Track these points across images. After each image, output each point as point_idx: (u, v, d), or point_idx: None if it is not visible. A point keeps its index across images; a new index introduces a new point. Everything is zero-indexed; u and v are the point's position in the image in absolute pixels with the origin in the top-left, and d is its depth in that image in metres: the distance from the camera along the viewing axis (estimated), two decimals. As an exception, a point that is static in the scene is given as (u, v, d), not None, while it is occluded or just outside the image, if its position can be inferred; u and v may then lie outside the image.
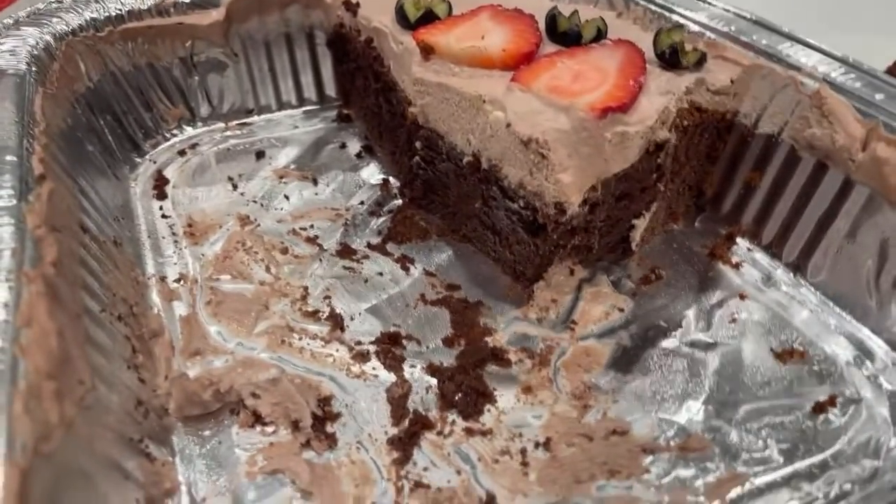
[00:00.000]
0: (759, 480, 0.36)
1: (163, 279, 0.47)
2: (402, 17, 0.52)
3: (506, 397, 0.40)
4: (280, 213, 0.54)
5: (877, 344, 0.44)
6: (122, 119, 0.57)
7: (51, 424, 0.27)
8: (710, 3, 0.55)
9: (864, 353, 0.44)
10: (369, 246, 0.51)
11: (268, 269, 0.49)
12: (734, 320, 0.46)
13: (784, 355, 0.43)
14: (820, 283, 0.48)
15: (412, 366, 0.42)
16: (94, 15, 0.56)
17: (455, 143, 0.48)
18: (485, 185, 0.47)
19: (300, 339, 0.43)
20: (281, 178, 0.58)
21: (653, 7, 0.57)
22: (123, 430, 0.33)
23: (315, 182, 0.58)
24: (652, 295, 0.48)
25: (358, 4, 0.58)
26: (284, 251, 0.50)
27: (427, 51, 0.48)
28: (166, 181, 0.57)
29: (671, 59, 0.48)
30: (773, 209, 0.50)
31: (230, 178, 0.58)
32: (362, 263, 0.50)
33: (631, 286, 0.49)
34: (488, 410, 0.40)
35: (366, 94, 0.60)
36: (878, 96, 0.45)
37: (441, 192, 0.52)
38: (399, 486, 0.36)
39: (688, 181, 0.52)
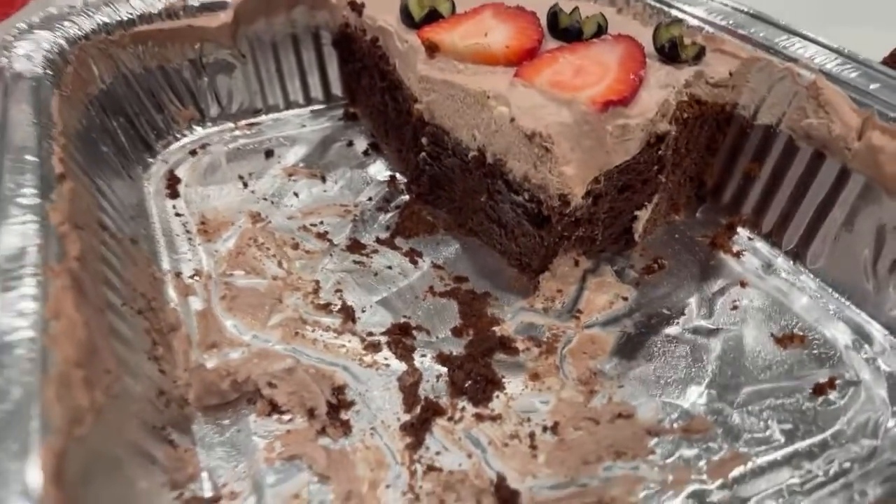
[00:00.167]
0: (761, 460, 0.37)
1: (178, 275, 0.49)
2: (406, 16, 0.53)
3: (514, 384, 0.42)
4: (290, 210, 0.55)
5: (875, 328, 0.45)
6: (134, 120, 0.59)
7: (82, 410, 0.28)
8: (706, 1, 0.56)
9: (862, 336, 0.45)
10: (378, 241, 0.53)
11: (280, 265, 0.50)
12: (735, 307, 0.47)
13: (784, 340, 0.45)
14: (819, 269, 0.49)
15: (423, 355, 0.43)
16: (106, 19, 0.57)
17: (460, 138, 0.49)
18: (490, 179, 0.48)
19: (313, 330, 0.45)
20: (290, 175, 0.59)
21: (652, 2, 0.58)
22: (147, 418, 0.35)
23: (324, 179, 0.59)
24: (655, 284, 0.49)
25: (363, 4, 0.59)
26: (295, 247, 0.52)
27: (432, 49, 0.50)
28: (178, 180, 0.58)
29: (670, 53, 0.49)
30: (773, 199, 0.51)
31: (241, 177, 0.59)
32: (372, 257, 0.51)
33: (634, 276, 0.50)
34: (497, 397, 0.41)
35: (371, 93, 0.61)
36: (873, 86, 0.46)
37: (447, 186, 0.54)
38: (412, 469, 0.37)
39: (689, 172, 0.53)
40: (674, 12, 0.56)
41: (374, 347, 0.44)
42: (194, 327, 0.45)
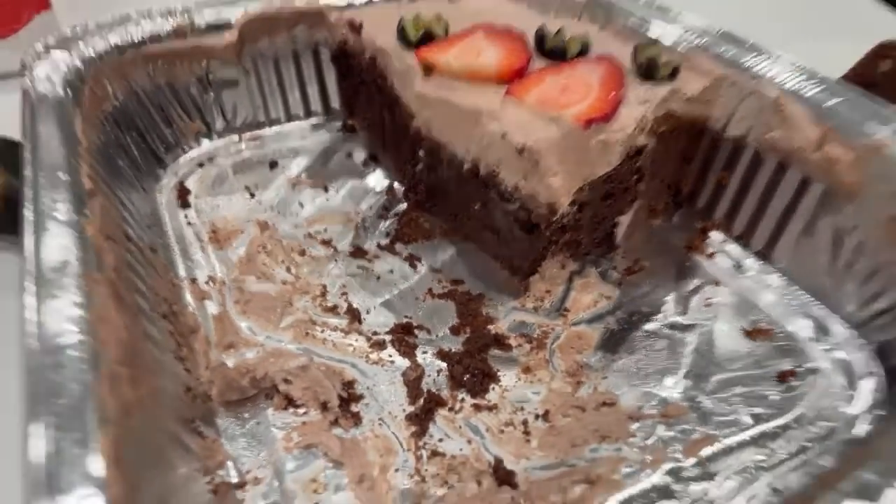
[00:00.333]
0: (730, 440, 0.42)
1: (194, 281, 0.52)
2: (403, 36, 0.57)
3: (508, 377, 0.46)
4: (296, 219, 0.59)
5: (833, 321, 0.50)
6: (145, 135, 0.62)
7: (130, 403, 0.32)
8: (681, 20, 0.61)
9: (822, 329, 0.49)
10: (379, 246, 0.57)
11: (288, 270, 0.54)
12: (709, 304, 0.52)
13: (753, 333, 0.49)
14: (784, 269, 0.53)
15: (424, 352, 0.47)
16: (118, 40, 0.60)
17: (456, 151, 0.53)
18: (483, 189, 0.52)
19: (322, 331, 0.49)
20: (294, 186, 0.63)
21: (630, 22, 0.62)
22: (179, 412, 0.38)
23: (326, 189, 0.63)
24: (635, 284, 0.53)
25: (361, 24, 0.63)
26: (302, 253, 0.55)
27: (428, 69, 0.54)
28: (188, 191, 0.61)
29: (648, 72, 0.53)
30: (742, 205, 0.55)
31: (247, 188, 0.63)
32: (374, 262, 0.55)
33: (617, 276, 0.54)
34: (493, 389, 0.45)
35: (370, 107, 0.65)
36: (832, 101, 0.50)
37: (443, 195, 0.58)
38: (418, 455, 0.41)
39: (666, 181, 0.58)
40: (652, 31, 0.61)
41: (380, 346, 0.48)
42: (212, 329, 0.48)
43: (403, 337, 0.48)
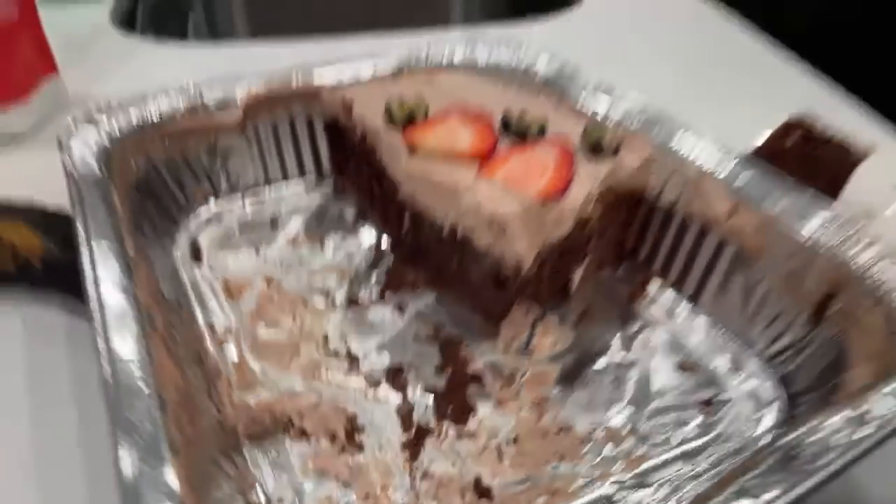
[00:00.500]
0: (662, 457, 0.51)
1: (212, 329, 0.60)
2: (390, 117, 0.67)
3: (484, 409, 0.55)
4: (297, 273, 0.68)
5: (747, 356, 0.61)
6: (161, 200, 0.70)
7: (189, 436, 0.40)
8: (624, 99, 0.72)
9: (737, 363, 0.60)
10: (371, 296, 0.66)
11: (294, 319, 0.62)
12: (647, 344, 0.62)
13: (683, 367, 0.60)
14: (708, 312, 0.64)
15: (413, 389, 0.57)
16: (137, 119, 0.68)
17: (436, 218, 0.63)
18: (460, 250, 0.62)
19: (327, 372, 0.57)
20: (293, 242, 0.72)
21: (582, 100, 0.74)
22: (217, 443, 0.47)
23: (322, 245, 0.72)
24: (587, 328, 0.63)
25: (352, 101, 0.73)
26: (305, 304, 0.64)
27: (412, 148, 0.64)
28: (200, 248, 0.70)
29: (595, 150, 0.64)
30: (674, 259, 0.66)
31: (252, 244, 0.71)
32: (367, 311, 0.64)
33: (572, 321, 0.64)
34: (472, 419, 0.54)
35: (359, 175, 0.74)
36: (741, 178, 0.62)
37: (425, 252, 0.67)
38: (413, 475, 0.50)
39: (612, 240, 0.68)
40: (597, 110, 0.72)
41: (376, 384, 0.57)
42: (232, 373, 0.57)
43: (395, 376, 0.58)
